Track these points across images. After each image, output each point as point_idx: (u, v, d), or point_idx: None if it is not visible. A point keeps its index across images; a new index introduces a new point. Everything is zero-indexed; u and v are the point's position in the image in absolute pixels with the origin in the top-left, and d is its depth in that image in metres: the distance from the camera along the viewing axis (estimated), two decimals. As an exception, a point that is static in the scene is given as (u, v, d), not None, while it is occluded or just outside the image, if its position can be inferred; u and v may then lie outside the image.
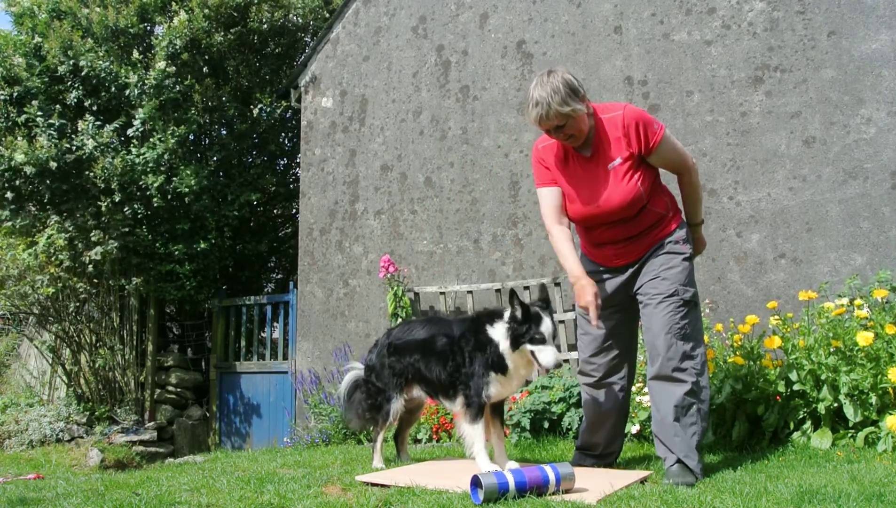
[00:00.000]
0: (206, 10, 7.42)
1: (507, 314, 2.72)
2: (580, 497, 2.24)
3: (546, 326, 2.62)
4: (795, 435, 3.39)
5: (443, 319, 3.15)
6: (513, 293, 2.69)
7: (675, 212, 2.89)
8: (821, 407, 3.29)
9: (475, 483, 2.27)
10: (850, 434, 3.25)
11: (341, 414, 5.61)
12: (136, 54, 7.19)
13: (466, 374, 2.78)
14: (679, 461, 2.61)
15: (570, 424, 4.16)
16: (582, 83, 2.73)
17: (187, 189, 7.07)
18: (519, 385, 2.90)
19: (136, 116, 7.12)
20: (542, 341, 2.61)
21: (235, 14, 7.74)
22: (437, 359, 2.92)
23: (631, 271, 2.84)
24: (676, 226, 2.84)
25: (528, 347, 2.62)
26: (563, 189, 2.84)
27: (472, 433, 2.73)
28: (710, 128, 4.97)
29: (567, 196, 2.84)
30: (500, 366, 2.71)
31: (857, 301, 3.56)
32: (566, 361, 5.10)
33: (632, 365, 3.02)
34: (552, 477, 2.34)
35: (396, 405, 3.06)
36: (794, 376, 3.40)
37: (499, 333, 2.72)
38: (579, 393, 4.25)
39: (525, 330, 2.62)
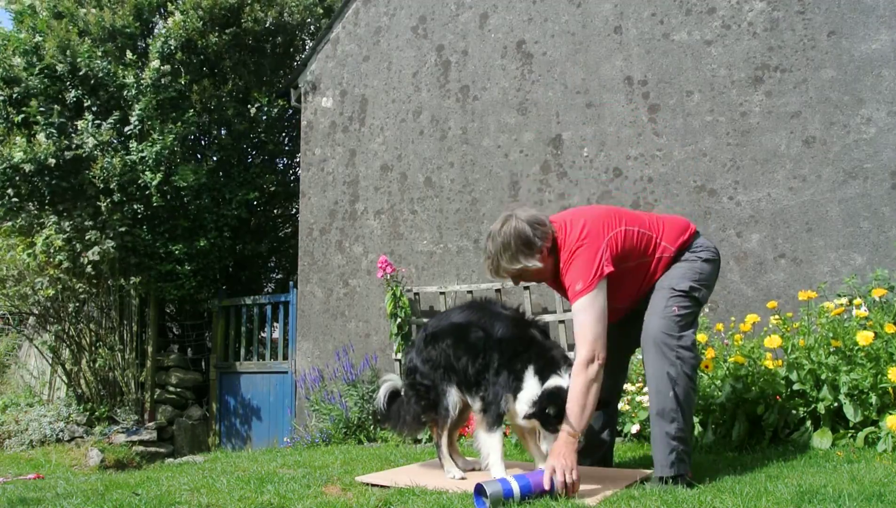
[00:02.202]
0: (200, 11, 7.43)
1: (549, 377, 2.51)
2: (580, 497, 2.24)
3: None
4: (795, 435, 3.39)
5: (485, 307, 2.83)
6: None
7: (662, 257, 2.72)
8: (821, 407, 3.29)
9: (479, 491, 2.23)
10: (850, 434, 3.24)
11: (341, 413, 5.62)
12: (129, 55, 7.19)
13: (492, 378, 2.56)
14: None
15: (570, 424, 4.15)
16: (542, 227, 2.61)
17: (185, 184, 7.07)
18: None
19: (132, 115, 7.12)
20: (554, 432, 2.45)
21: (229, 14, 7.74)
22: (468, 351, 2.67)
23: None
24: (663, 269, 2.72)
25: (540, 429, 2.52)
26: None
27: (489, 442, 2.55)
28: (710, 128, 4.97)
29: None
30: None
31: (857, 301, 3.56)
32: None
33: (620, 379, 3.05)
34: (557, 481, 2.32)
35: (453, 397, 2.71)
36: (794, 376, 3.40)
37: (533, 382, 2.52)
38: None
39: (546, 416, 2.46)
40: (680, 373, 2.54)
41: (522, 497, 2.27)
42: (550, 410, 2.44)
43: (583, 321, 2.51)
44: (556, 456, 2.34)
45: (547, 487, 2.31)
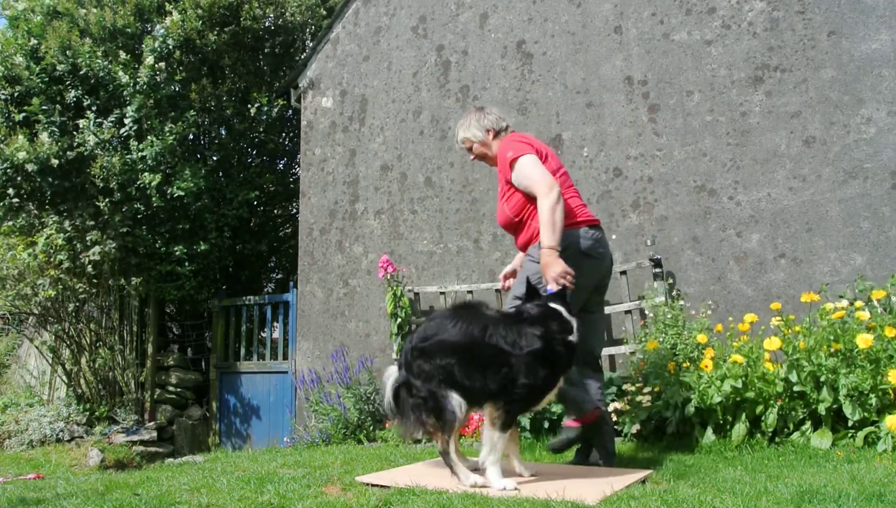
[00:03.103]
0: (199, 10, 7.43)
1: None
2: (580, 497, 2.24)
3: None
4: (795, 435, 3.39)
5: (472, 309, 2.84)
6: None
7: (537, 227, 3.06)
8: (821, 408, 3.29)
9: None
10: (849, 434, 3.25)
11: (340, 414, 5.62)
12: (123, 55, 7.18)
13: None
14: None
15: (570, 424, 4.15)
16: (499, 120, 3.36)
17: (184, 192, 7.07)
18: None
19: (127, 114, 7.12)
20: None
21: (228, 13, 7.73)
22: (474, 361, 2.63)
23: None
24: (530, 240, 3.12)
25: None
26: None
27: (501, 442, 2.55)
28: (710, 128, 4.97)
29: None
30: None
31: (858, 303, 3.56)
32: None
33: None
34: None
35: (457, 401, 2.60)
36: (794, 376, 3.40)
37: None
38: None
39: None
40: None
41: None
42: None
43: (528, 171, 3.02)
44: (549, 267, 2.80)
45: (555, 287, 2.75)
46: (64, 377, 7.85)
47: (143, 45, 7.25)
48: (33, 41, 7.27)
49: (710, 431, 3.60)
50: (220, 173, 7.95)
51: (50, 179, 7.01)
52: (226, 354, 8.02)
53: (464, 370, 2.57)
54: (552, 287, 2.77)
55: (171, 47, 7.23)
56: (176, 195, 7.13)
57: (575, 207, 3.11)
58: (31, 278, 7.32)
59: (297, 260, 7.15)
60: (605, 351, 4.95)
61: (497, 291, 5.57)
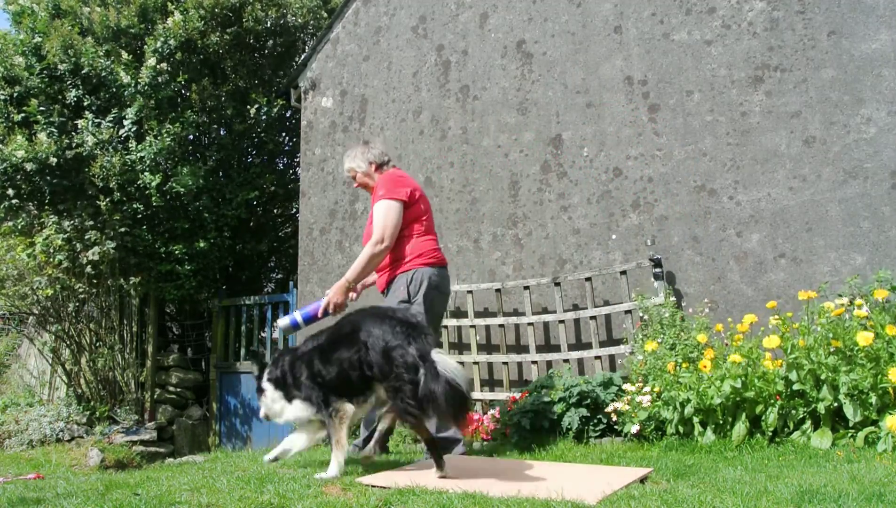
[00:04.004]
0: (202, 11, 7.43)
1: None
2: (580, 497, 2.24)
3: None
4: (795, 435, 3.39)
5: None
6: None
7: (410, 261, 3.52)
8: (821, 407, 3.29)
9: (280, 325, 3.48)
10: (850, 434, 3.25)
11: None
12: (125, 55, 7.19)
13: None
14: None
15: (570, 424, 4.16)
16: (382, 155, 3.78)
17: (184, 189, 7.07)
18: None
19: (127, 116, 7.12)
20: None
21: (230, 14, 7.74)
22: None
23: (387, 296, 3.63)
24: (393, 278, 3.54)
25: None
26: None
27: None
28: (710, 128, 4.97)
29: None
30: None
31: (858, 301, 3.55)
32: (566, 361, 5.11)
33: None
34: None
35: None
36: (793, 375, 3.40)
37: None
38: (579, 393, 4.27)
39: None
40: None
41: (306, 323, 3.44)
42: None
43: (380, 215, 3.46)
44: (336, 292, 3.44)
45: (321, 315, 3.43)
46: (64, 377, 7.85)
47: (146, 46, 7.25)
48: (37, 38, 7.26)
49: (710, 431, 3.60)
50: (220, 173, 7.95)
51: (49, 179, 7.01)
52: (226, 354, 8.02)
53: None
54: (322, 304, 3.44)
55: (172, 48, 7.23)
56: (175, 191, 7.13)
57: (431, 249, 3.59)
58: (31, 279, 7.32)
59: (297, 260, 7.14)
60: (605, 351, 4.96)
61: (497, 291, 5.57)
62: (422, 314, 3.22)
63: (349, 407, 2.83)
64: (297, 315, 3.48)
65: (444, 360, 2.55)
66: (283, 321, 3.50)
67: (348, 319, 2.97)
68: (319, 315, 3.45)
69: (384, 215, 3.45)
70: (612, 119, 5.36)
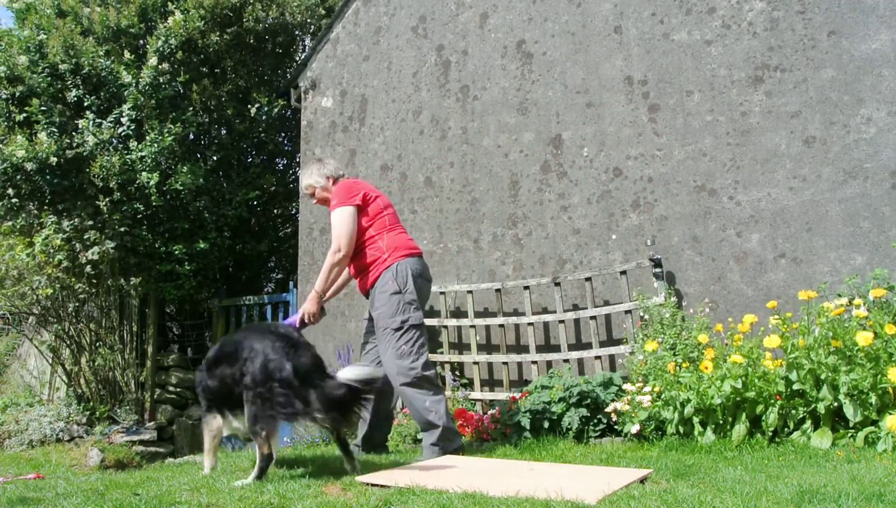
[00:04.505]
0: (202, 10, 7.43)
1: None
2: (580, 497, 2.24)
3: None
4: (795, 435, 3.39)
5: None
6: None
7: (390, 256, 3.63)
8: (821, 407, 3.29)
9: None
10: (850, 434, 3.25)
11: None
12: (127, 55, 7.19)
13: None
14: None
15: (570, 424, 4.16)
16: (337, 170, 3.89)
17: (183, 187, 7.07)
18: None
19: (124, 113, 7.12)
20: None
21: (231, 14, 7.74)
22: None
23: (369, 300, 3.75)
24: (377, 277, 3.62)
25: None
26: None
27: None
28: (710, 128, 4.97)
29: None
30: None
31: (857, 301, 3.55)
32: (566, 361, 5.11)
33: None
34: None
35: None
36: (793, 375, 3.40)
37: None
38: (579, 393, 4.27)
39: None
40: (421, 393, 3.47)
41: None
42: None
43: (336, 223, 3.57)
44: (309, 303, 3.55)
45: (299, 326, 3.49)
46: (64, 377, 7.84)
47: (148, 45, 7.25)
48: (41, 35, 7.26)
49: (710, 431, 3.60)
50: (220, 173, 7.94)
51: (49, 178, 7.01)
52: (226, 354, 8.00)
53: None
54: (297, 318, 3.55)
55: (173, 47, 7.23)
56: (175, 191, 7.13)
57: (405, 241, 3.71)
58: (30, 278, 7.32)
59: (297, 260, 7.14)
60: (605, 351, 4.96)
61: (497, 291, 5.57)
62: (300, 334, 3.22)
63: (216, 422, 3.09)
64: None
65: (347, 373, 2.77)
66: None
67: (232, 338, 3.08)
68: (297, 326, 3.51)
69: (339, 222, 3.56)
70: (612, 119, 5.36)
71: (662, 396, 3.84)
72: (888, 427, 2.98)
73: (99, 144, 7.04)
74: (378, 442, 3.91)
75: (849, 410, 3.21)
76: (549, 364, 5.25)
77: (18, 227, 7.41)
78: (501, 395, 5.25)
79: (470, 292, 5.67)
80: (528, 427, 4.23)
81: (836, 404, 3.28)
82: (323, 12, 8.78)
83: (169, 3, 7.59)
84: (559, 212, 5.50)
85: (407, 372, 3.47)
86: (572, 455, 3.58)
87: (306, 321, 3.56)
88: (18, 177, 7.02)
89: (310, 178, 3.85)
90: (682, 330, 4.33)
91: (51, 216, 7.22)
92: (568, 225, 5.45)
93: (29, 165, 6.83)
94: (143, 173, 7.03)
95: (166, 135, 7.05)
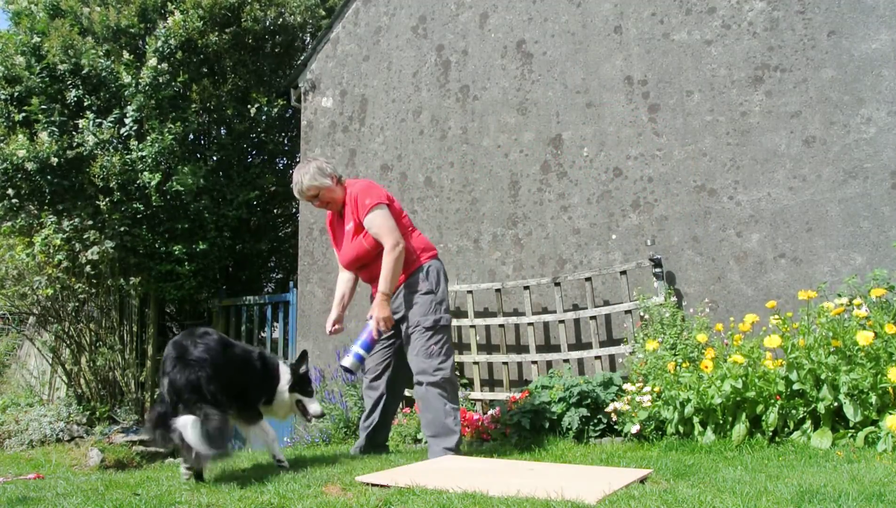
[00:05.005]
0: (201, 11, 7.43)
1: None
2: (580, 497, 2.24)
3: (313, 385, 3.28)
4: (795, 435, 3.39)
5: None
6: (304, 354, 3.35)
7: (418, 256, 3.61)
8: (821, 407, 3.29)
9: (344, 365, 3.35)
10: (850, 434, 3.25)
11: (342, 413, 5.63)
12: (126, 55, 7.19)
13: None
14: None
15: (570, 424, 4.16)
16: (335, 168, 3.69)
17: (183, 187, 7.07)
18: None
19: (128, 114, 7.13)
20: (311, 394, 3.27)
21: (229, 14, 7.74)
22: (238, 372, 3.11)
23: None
24: (407, 277, 3.56)
25: (299, 396, 3.23)
26: (333, 240, 3.84)
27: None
28: (710, 128, 4.97)
29: (336, 249, 3.83)
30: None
31: (857, 301, 3.55)
32: (566, 361, 5.11)
33: (393, 379, 3.80)
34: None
35: None
36: (793, 375, 3.40)
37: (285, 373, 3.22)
38: (579, 393, 4.27)
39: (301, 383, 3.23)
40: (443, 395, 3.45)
41: (368, 352, 3.42)
42: (304, 369, 3.25)
43: (380, 222, 3.47)
44: (376, 309, 3.41)
45: (375, 335, 3.40)
46: (64, 377, 7.85)
47: (147, 46, 7.26)
48: (35, 38, 7.27)
49: (710, 431, 3.60)
50: (220, 173, 7.95)
51: (49, 178, 7.02)
52: (226, 354, 8.01)
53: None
54: (373, 327, 3.41)
55: (172, 47, 7.24)
56: (175, 191, 7.13)
57: (427, 242, 3.72)
58: (30, 278, 7.32)
59: (297, 260, 7.14)
60: (605, 351, 4.96)
61: (497, 291, 5.57)
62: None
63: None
64: (358, 349, 3.44)
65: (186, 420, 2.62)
66: (349, 360, 3.43)
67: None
68: (375, 338, 3.46)
69: (383, 219, 3.48)
70: (612, 119, 5.36)
71: (662, 396, 3.84)
72: (888, 427, 2.97)
73: (99, 143, 7.05)
74: (379, 442, 3.91)
75: (849, 410, 3.21)
76: (549, 364, 5.25)
77: (18, 227, 7.41)
78: (501, 395, 5.25)
79: (470, 292, 5.67)
80: (528, 427, 4.23)
81: (836, 404, 3.28)
82: (323, 12, 8.79)
83: (168, 3, 7.59)
84: (559, 212, 5.50)
85: (433, 373, 3.45)
86: (572, 455, 3.58)
87: (381, 328, 3.43)
88: (19, 177, 7.02)
89: (314, 180, 3.62)
90: (682, 330, 4.33)
91: (51, 216, 7.23)
92: (568, 225, 5.45)
93: (29, 165, 6.84)
94: (145, 173, 7.03)
95: (167, 135, 7.05)
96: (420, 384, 3.48)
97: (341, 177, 3.73)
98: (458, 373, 5.63)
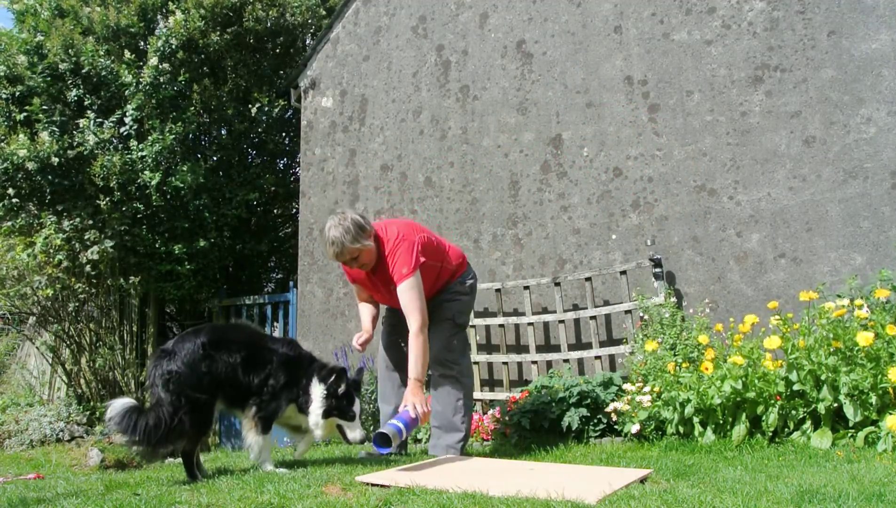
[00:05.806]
0: (202, 10, 7.43)
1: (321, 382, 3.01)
2: (580, 497, 2.24)
3: (357, 407, 3.06)
4: (795, 435, 3.39)
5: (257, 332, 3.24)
6: (343, 373, 3.04)
7: (453, 275, 3.62)
8: (821, 407, 3.29)
9: (379, 438, 2.99)
10: (850, 434, 3.25)
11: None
12: (128, 54, 7.20)
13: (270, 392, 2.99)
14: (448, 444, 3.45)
15: (569, 424, 4.16)
16: (368, 221, 3.36)
17: (183, 185, 7.07)
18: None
19: (128, 113, 7.13)
20: (353, 418, 3.07)
21: (231, 14, 7.75)
22: (252, 366, 2.98)
23: None
24: (452, 279, 3.61)
25: (339, 422, 3.06)
26: (364, 287, 3.67)
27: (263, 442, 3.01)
28: (710, 128, 4.97)
29: (370, 292, 3.70)
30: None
31: (858, 301, 3.55)
32: (566, 361, 5.11)
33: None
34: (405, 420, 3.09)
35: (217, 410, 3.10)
36: (794, 376, 3.40)
37: (317, 393, 3.00)
38: (579, 393, 4.27)
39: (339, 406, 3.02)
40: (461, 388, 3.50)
41: (408, 431, 3.13)
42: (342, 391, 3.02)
43: (411, 296, 3.28)
44: (412, 396, 3.17)
45: (413, 416, 3.12)
46: (64, 377, 7.85)
47: (148, 45, 7.26)
48: (39, 37, 7.28)
49: (710, 431, 3.60)
50: (221, 173, 7.94)
51: (50, 178, 7.02)
52: (226, 354, 8.01)
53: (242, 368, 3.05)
54: (411, 412, 3.15)
55: (173, 47, 7.24)
56: (175, 191, 7.13)
57: (459, 253, 3.70)
58: (31, 278, 7.32)
59: (297, 260, 7.15)
60: (605, 351, 4.96)
61: (497, 291, 5.57)
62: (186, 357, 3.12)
63: None
64: (398, 422, 3.12)
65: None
66: (388, 429, 3.08)
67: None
68: (409, 424, 3.17)
69: (413, 295, 3.27)
70: (612, 119, 5.36)
71: (662, 396, 3.84)
72: (888, 427, 2.98)
73: (100, 143, 7.05)
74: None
75: (849, 410, 3.21)
76: (549, 364, 5.25)
77: (18, 227, 7.41)
78: (501, 395, 5.25)
79: (470, 292, 5.67)
80: (527, 427, 4.23)
81: (836, 404, 3.28)
82: (323, 12, 8.79)
83: (169, 3, 7.59)
84: (559, 212, 5.50)
85: (451, 365, 3.50)
86: (572, 455, 3.58)
87: (420, 419, 3.18)
88: (19, 176, 7.02)
89: (355, 242, 3.27)
90: (682, 330, 4.33)
91: (51, 216, 7.23)
92: (568, 225, 5.45)
93: (30, 165, 6.84)
94: (146, 173, 7.03)
95: (167, 134, 7.05)
96: (437, 373, 3.52)
97: (374, 231, 3.42)
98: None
